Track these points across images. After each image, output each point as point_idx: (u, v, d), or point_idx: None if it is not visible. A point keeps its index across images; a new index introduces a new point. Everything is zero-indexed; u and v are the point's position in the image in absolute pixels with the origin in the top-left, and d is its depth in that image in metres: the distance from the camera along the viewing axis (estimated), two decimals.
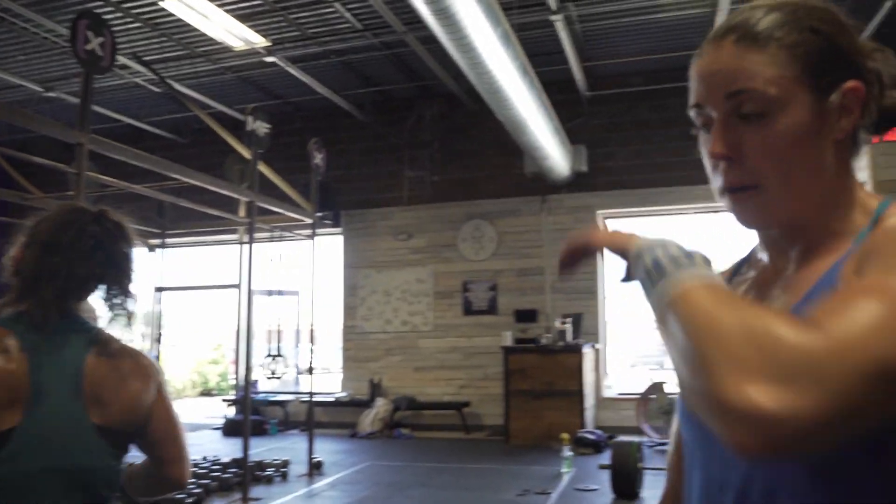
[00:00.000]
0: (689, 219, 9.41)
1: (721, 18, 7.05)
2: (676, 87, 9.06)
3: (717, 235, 9.22)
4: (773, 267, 0.90)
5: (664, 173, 9.14)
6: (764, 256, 0.92)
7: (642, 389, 8.11)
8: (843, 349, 0.59)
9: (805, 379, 0.58)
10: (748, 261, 0.97)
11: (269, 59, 8.18)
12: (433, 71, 8.83)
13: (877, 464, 0.70)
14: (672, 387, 7.89)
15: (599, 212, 9.46)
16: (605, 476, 6.18)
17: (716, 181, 0.86)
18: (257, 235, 6.37)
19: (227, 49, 8.10)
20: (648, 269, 0.74)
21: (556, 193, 9.53)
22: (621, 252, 0.83)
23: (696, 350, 0.63)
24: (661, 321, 0.70)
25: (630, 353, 9.83)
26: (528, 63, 6.71)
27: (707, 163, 0.87)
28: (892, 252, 0.69)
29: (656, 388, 7.88)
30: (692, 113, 0.87)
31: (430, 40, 7.53)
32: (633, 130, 9.44)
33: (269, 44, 7.96)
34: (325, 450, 7.81)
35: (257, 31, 7.69)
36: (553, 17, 7.22)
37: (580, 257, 0.90)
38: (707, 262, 0.74)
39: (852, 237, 0.80)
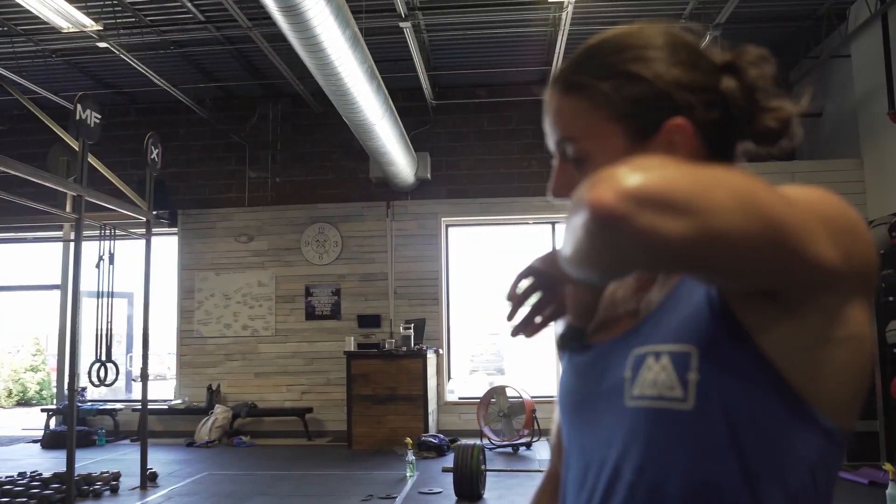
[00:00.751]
0: (528, 229, 9.79)
1: (562, 38, 7.42)
2: (518, 101, 9.47)
3: (552, 245, 9.67)
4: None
5: (505, 184, 9.45)
6: None
7: (483, 394, 8.31)
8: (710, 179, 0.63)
9: (665, 175, 0.61)
10: None
11: (102, 44, 7.65)
12: (278, 70, 8.63)
13: (736, 446, 0.76)
14: (511, 391, 8.17)
15: (443, 219, 9.63)
16: (449, 479, 6.27)
17: None
18: (86, 233, 5.94)
19: (53, 30, 7.49)
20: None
21: (401, 199, 9.61)
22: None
23: None
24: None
25: (471, 358, 10.05)
26: (375, 68, 6.73)
27: None
28: None
29: (496, 392, 8.10)
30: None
31: (276, 38, 7.37)
32: (477, 141, 9.70)
33: (101, 28, 7.44)
34: (160, 460, 7.39)
35: (88, 14, 7.16)
36: (402, 24, 7.27)
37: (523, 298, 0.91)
38: None
39: None
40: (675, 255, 0.62)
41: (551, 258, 0.90)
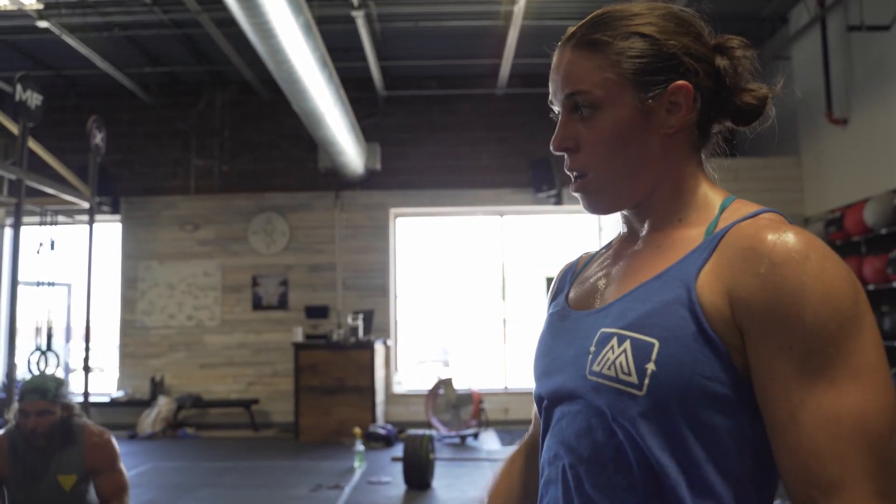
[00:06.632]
0: (476, 220, 9.84)
1: (514, 32, 7.47)
2: (468, 93, 9.50)
3: (501, 237, 9.74)
4: (630, 237, 0.99)
5: (454, 175, 9.48)
6: (623, 228, 1.02)
7: (430, 385, 8.34)
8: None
9: None
10: (609, 245, 1.06)
11: (42, 24, 7.38)
12: (226, 56, 8.47)
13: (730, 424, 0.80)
14: (458, 383, 8.21)
15: (392, 210, 9.61)
16: (398, 468, 6.30)
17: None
18: (25, 219, 5.73)
19: None
20: None
21: (350, 190, 9.54)
22: None
23: None
24: None
25: (419, 349, 10.07)
26: (327, 56, 6.67)
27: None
28: (783, 332, 0.76)
29: (444, 383, 8.13)
30: (552, 106, 0.97)
31: (226, 23, 7.24)
32: (426, 132, 9.69)
33: (41, 6, 7.18)
34: None
35: None
36: (354, 13, 7.21)
37: None
38: None
39: (699, 228, 0.89)
40: None
41: None
